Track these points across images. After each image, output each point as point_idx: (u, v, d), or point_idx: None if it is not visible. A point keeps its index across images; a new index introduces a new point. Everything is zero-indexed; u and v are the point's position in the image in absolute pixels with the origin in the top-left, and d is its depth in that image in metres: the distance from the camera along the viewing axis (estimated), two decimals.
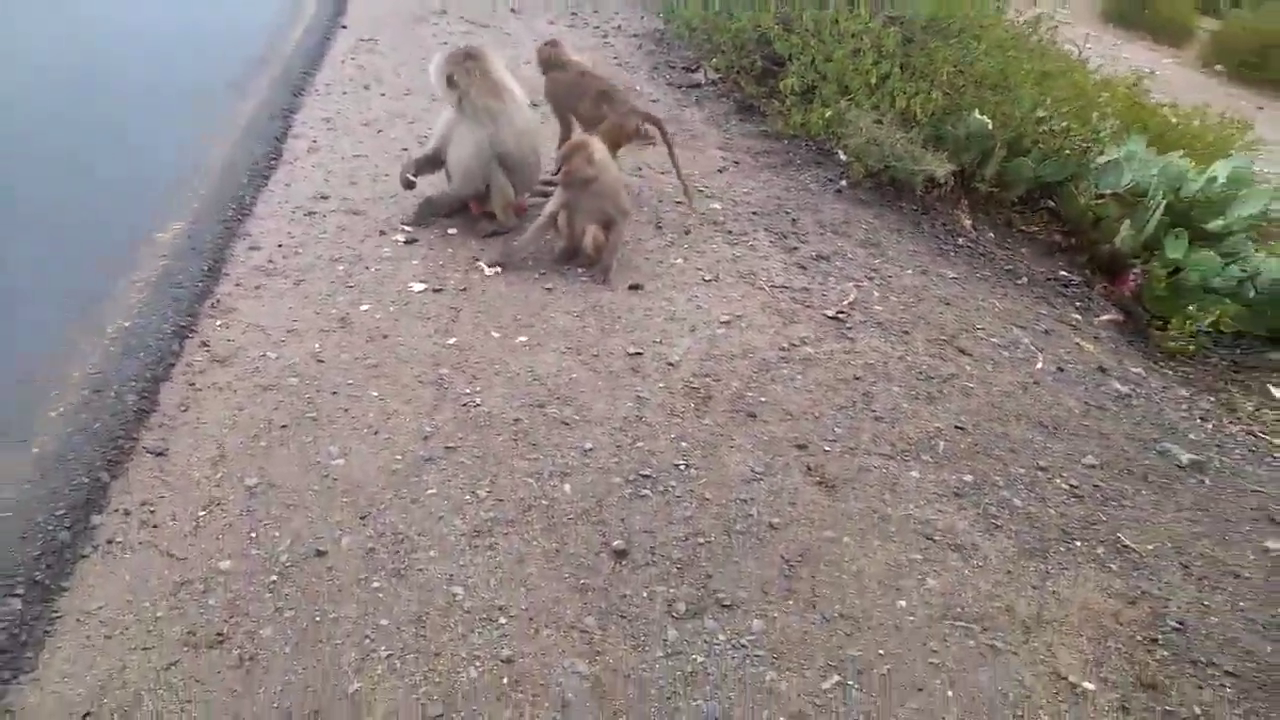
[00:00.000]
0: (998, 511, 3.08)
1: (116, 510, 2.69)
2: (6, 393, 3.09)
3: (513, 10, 8.04)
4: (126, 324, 3.49)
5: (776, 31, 6.21)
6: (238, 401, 3.16)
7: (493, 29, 7.58)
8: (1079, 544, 3.00)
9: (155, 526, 2.65)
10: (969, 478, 3.23)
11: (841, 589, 2.68)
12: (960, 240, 5.50)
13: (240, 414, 3.10)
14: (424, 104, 5.82)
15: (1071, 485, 3.31)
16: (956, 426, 3.51)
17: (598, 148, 4.09)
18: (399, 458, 2.97)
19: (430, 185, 4.54)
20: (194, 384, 3.23)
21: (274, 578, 2.52)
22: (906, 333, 4.14)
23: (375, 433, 3.07)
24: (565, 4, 8.35)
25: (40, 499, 2.67)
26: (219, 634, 2.35)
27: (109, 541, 2.59)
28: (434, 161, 4.46)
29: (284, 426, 3.06)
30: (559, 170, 4.07)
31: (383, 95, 5.92)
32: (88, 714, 2.13)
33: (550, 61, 4.94)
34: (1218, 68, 12.64)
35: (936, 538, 2.91)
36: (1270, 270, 5.25)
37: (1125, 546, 3.04)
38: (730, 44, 6.64)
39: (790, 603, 2.61)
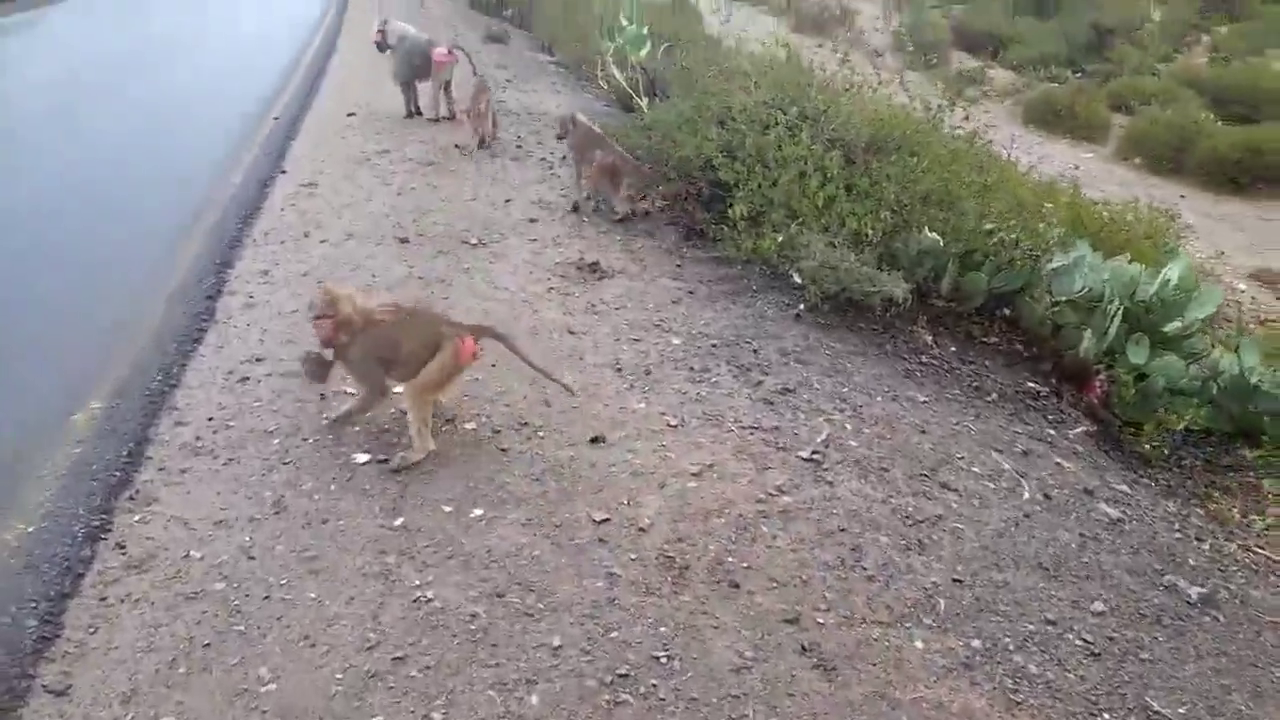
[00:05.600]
0: (1014, 683, 2.79)
1: None
2: None
3: (456, 146, 8.00)
4: (30, 530, 3.11)
5: (720, 159, 6.20)
6: (154, 617, 2.78)
7: (437, 165, 7.50)
8: (1107, 716, 2.72)
9: None
10: (976, 643, 2.95)
11: None
12: (923, 358, 5.37)
13: (157, 633, 2.72)
14: (367, 250, 5.62)
15: (1085, 640, 3.04)
16: (954, 579, 3.24)
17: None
18: (339, 676, 2.60)
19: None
20: (105, 598, 2.85)
21: None
22: (885, 470, 3.92)
23: (312, 645, 2.70)
24: (514, 141, 8.38)
25: None
26: None
27: None
28: None
29: (207, 645, 2.68)
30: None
31: (323, 242, 5.70)
32: None
33: None
34: (1135, 160, 13.12)
35: None
36: (1230, 368, 5.25)
37: (1156, 713, 2.76)
38: (676, 172, 6.62)
39: None
